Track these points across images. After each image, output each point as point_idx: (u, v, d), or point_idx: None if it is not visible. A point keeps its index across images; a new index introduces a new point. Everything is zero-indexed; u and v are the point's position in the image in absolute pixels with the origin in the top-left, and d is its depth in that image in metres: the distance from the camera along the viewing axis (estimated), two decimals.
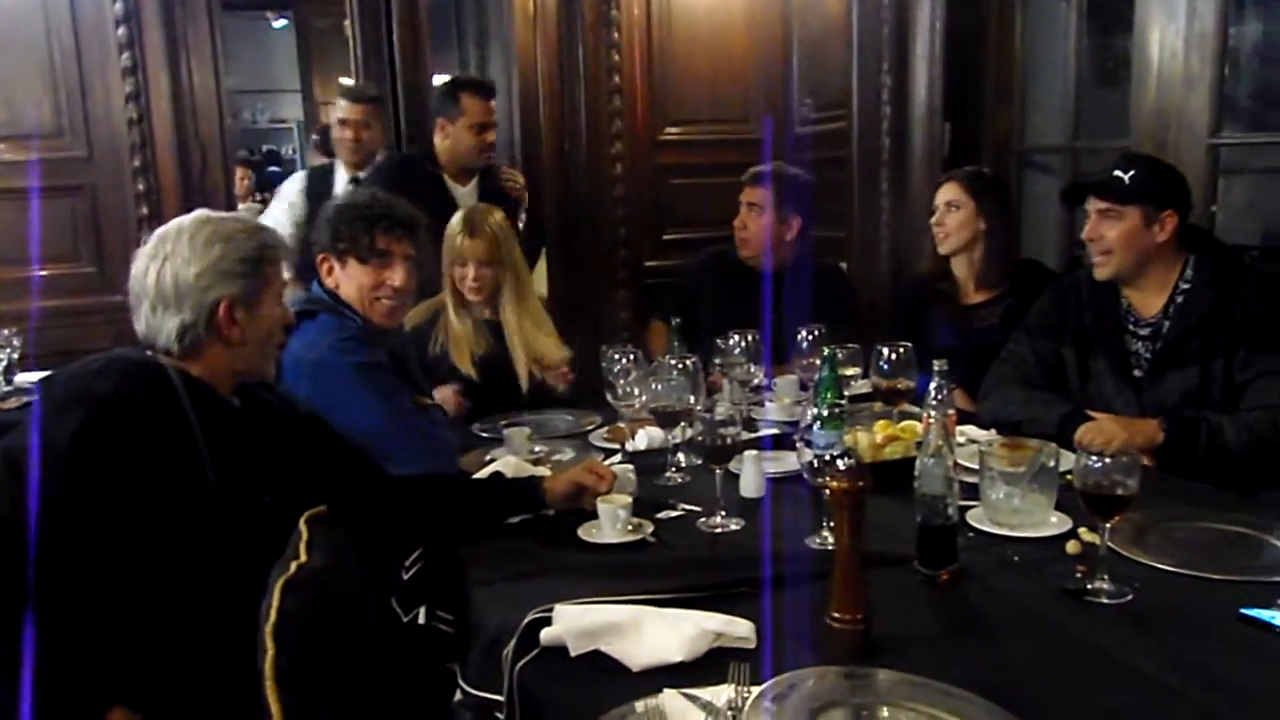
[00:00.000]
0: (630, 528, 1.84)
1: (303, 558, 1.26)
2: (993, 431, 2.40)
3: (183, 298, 1.62)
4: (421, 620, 1.92)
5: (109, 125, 3.98)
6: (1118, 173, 2.37)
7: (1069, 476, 1.88)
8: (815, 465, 1.76)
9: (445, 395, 2.70)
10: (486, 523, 1.94)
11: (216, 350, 1.65)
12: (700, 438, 1.90)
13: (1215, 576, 1.56)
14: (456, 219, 2.94)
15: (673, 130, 4.73)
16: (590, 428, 2.67)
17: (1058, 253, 3.68)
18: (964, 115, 3.82)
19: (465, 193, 3.75)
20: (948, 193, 2.98)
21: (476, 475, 2.13)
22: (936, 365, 2.03)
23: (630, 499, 1.86)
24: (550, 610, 1.43)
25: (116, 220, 4.02)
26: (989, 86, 3.78)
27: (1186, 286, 2.36)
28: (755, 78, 4.71)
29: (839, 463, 1.72)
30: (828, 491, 1.40)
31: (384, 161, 4.03)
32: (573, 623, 1.40)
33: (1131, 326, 2.44)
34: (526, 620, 1.43)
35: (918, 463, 1.61)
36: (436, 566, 1.95)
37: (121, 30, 3.94)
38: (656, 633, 1.38)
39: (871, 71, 3.96)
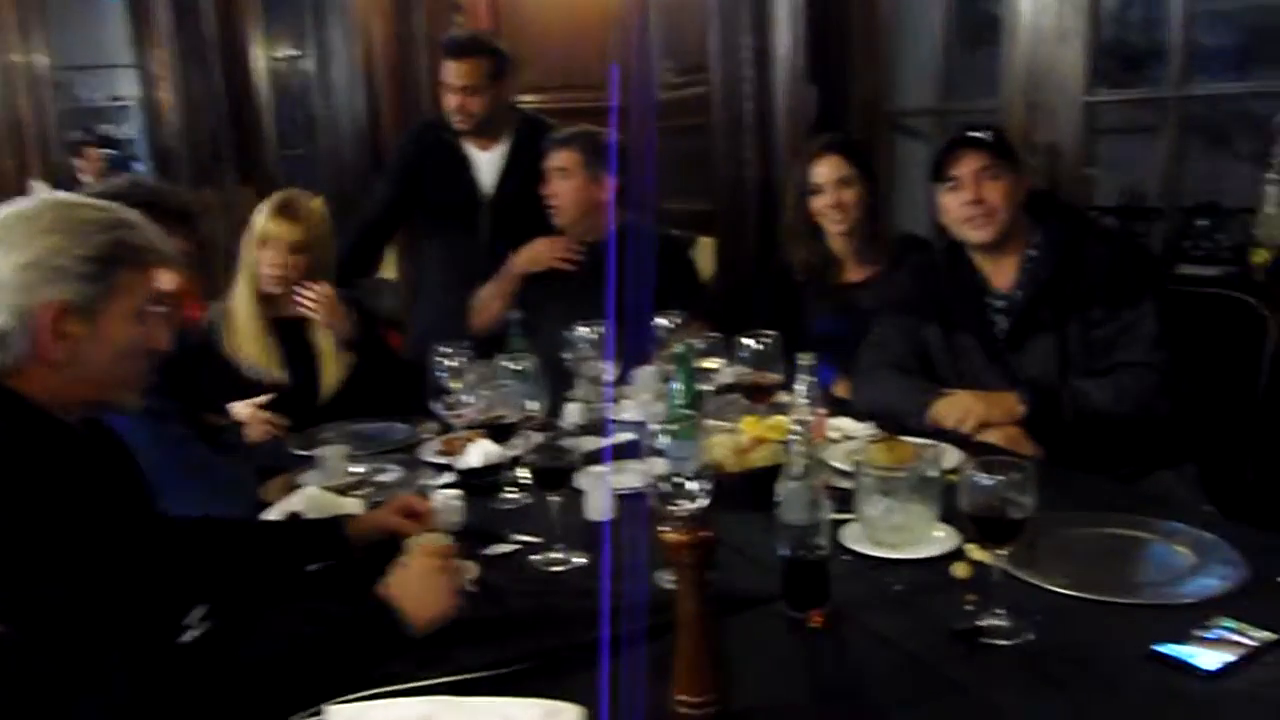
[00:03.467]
0: None
1: None
2: (871, 425, 2.18)
3: (1, 296, 1.26)
4: None
5: None
6: (979, 134, 2.25)
7: (953, 476, 1.66)
8: (665, 488, 1.47)
9: (245, 412, 2.33)
10: (277, 575, 1.61)
11: (44, 372, 1.28)
12: (532, 458, 1.61)
13: (1122, 601, 1.34)
14: (270, 201, 2.60)
15: (525, 99, 4.38)
16: (426, 438, 2.35)
17: (929, 222, 3.49)
18: (830, 78, 3.59)
19: (488, 159, 3.27)
20: (836, 168, 2.69)
21: (271, 512, 1.80)
22: (803, 360, 1.78)
23: (449, 540, 1.55)
24: (318, 714, 1.12)
25: None
26: (855, 47, 3.56)
27: (1034, 253, 2.23)
28: (611, 41, 4.40)
29: (687, 486, 1.46)
30: (663, 543, 1.11)
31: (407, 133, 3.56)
32: None
33: (989, 299, 2.30)
34: None
35: (778, 486, 1.35)
36: (226, 625, 1.62)
37: None
38: None
39: (732, 32, 3.69)
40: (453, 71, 3.13)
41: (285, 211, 2.54)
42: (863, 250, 2.76)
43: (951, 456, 1.92)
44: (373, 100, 4.61)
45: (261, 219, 2.54)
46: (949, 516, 1.58)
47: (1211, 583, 1.38)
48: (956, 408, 2.13)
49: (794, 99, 3.59)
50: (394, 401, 2.57)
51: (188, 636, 1.64)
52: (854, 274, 2.78)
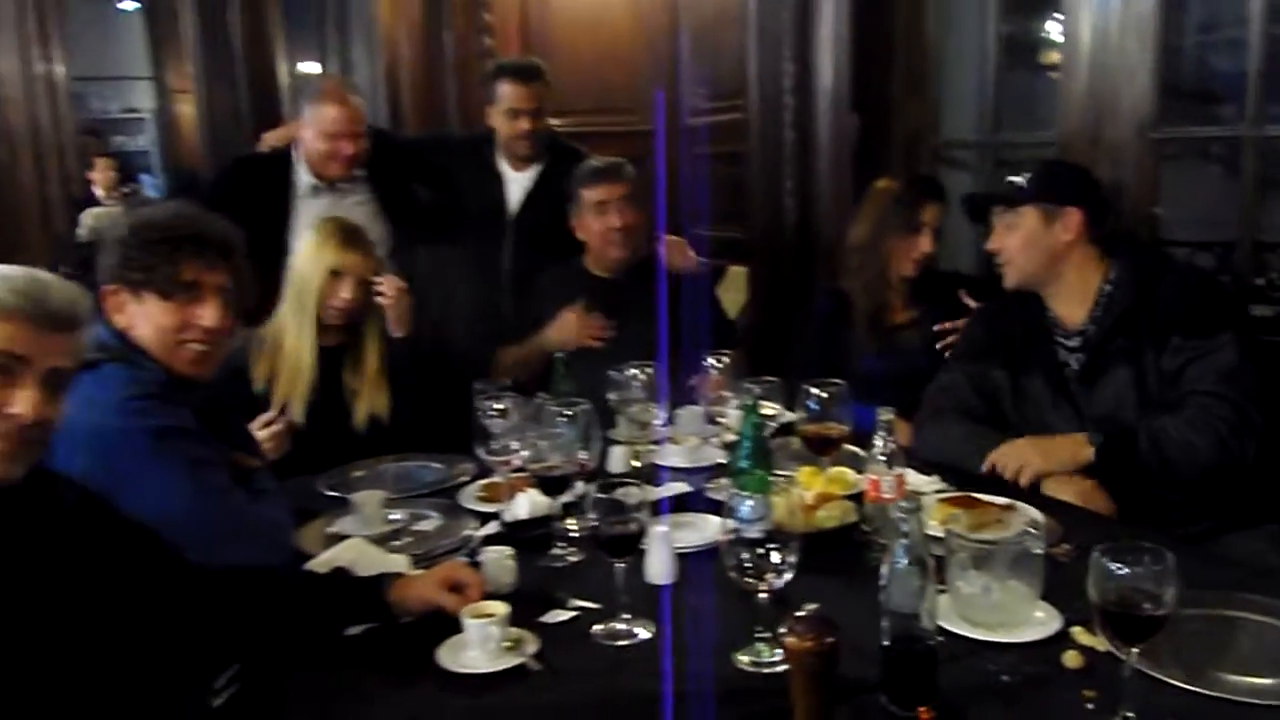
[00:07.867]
0: (508, 645, 1.41)
1: None
2: (935, 478, 2.06)
3: None
4: None
5: None
6: (1018, 180, 2.22)
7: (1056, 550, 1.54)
8: (741, 560, 1.34)
9: (263, 431, 2.19)
10: (316, 633, 1.49)
11: None
12: (595, 523, 1.48)
13: (1264, 703, 1.21)
14: (327, 224, 2.53)
15: (555, 123, 4.30)
16: (462, 480, 2.23)
17: (975, 259, 3.37)
18: (873, 107, 3.48)
19: (519, 178, 3.29)
20: (939, 215, 2.69)
21: (314, 563, 1.68)
22: (883, 416, 1.65)
23: (506, 610, 1.42)
24: None
25: None
26: (900, 75, 3.45)
27: (1109, 289, 2.15)
28: (642, 64, 4.31)
29: (772, 557, 1.34)
30: (783, 653, 0.99)
31: (440, 135, 3.83)
32: None
33: (1060, 339, 2.21)
34: None
35: (884, 567, 1.22)
36: (258, 691, 1.49)
37: None
38: None
39: (772, 58, 3.59)
40: (521, 96, 3.17)
41: (354, 241, 2.48)
42: (910, 292, 2.70)
43: (1031, 516, 1.81)
44: (397, 116, 4.52)
45: (328, 250, 2.44)
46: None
47: None
48: (1013, 457, 2.05)
49: (836, 128, 3.49)
50: (428, 436, 2.46)
51: (217, 701, 1.53)
52: (900, 315, 2.72)
